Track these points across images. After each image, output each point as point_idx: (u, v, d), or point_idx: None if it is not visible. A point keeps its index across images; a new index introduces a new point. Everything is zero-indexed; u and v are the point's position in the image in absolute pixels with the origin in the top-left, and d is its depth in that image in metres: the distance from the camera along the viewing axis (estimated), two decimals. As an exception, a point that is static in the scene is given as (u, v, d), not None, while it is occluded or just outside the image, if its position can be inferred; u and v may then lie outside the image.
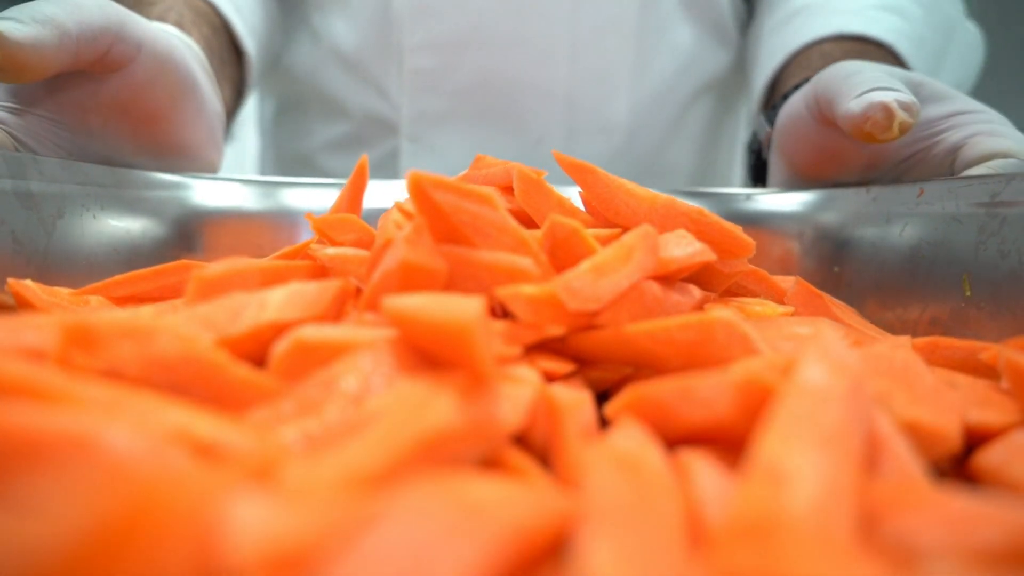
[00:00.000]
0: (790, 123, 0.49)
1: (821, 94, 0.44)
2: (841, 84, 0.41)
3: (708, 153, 0.81)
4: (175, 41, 0.46)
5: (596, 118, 0.71)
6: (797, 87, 0.53)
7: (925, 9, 0.62)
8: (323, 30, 0.73)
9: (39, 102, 0.39)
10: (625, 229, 0.30)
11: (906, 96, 0.38)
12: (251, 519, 0.11)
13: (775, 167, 0.53)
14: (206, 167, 0.50)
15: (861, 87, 0.40)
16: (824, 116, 0.44)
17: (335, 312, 0.24)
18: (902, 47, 0.57)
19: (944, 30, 0.63)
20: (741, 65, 0.78)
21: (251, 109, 0.86)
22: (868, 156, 0.44)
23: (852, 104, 0.39)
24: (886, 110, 0.37)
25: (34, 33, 0.35)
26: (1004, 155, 0.37)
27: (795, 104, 0.49)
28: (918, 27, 0.60)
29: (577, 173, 0.32)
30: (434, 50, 0.69)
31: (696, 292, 0.28)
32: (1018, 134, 0.39)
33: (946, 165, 0.40)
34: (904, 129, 0.38)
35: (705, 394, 0.18)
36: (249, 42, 0.62)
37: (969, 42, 0.66)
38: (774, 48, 0.62)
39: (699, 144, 0.79)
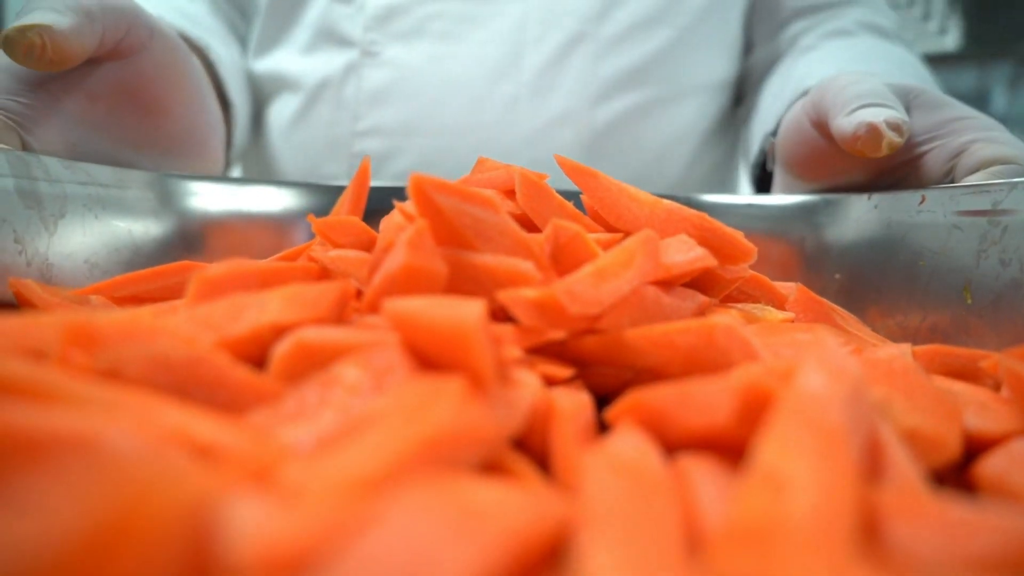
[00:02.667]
0: (792, 132, 0.50)
1: (819, 103, 0.45)
2: (836, 97, 0.42)
3: None
4: (179, 38, 0.46)
5: None
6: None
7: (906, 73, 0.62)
8: (275, 112, 0.74)
9: (46, 91, 0.39)
10: (627, 234, 0.30)
11: (896, 115, 0.39)
12: (250, 520, 0.11)
13: (779, 177, 0.53)
14: (210, 163, 0.50)
15: (853, 102, 0.40)
16: (823, 125, 0.45)
17: (336, 314, 0.24)
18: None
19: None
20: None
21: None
22: (866, 163, 0.44)
23: (843, 121, 0.40)
24: (874, 131, 0.38)
25: (76, 23, 0.36)
26: (1004, 161, 0.37)
27: (796, 114, 0.49)
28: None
29: (579, 177, 0.32)
30: (380, 135, 0.69)
31: (697, 297, 0.28)
32: (1016, 140, 0.39)
33: (945, 171, 0.40)
34: (893, 147, 0.39)
35: (705, 399, 0.18)
36: (235, 96, 0.63)
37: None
38: (782, 96, 0.62)
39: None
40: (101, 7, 0.37)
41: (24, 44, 0.35)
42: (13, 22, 0.36)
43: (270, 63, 0.74)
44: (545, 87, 0.69)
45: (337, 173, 0.72)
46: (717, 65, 0.74)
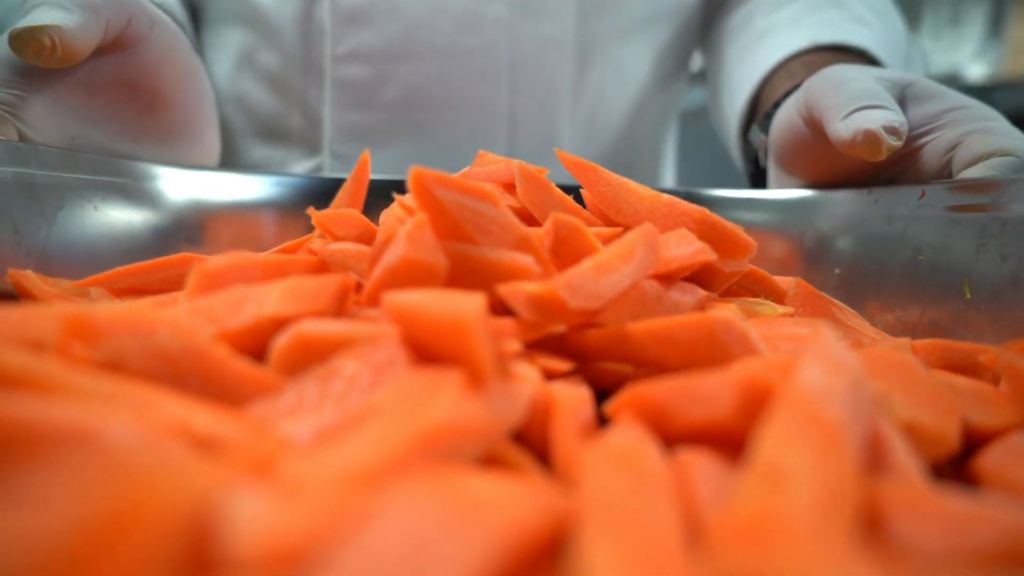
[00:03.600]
0: (784, 130, 0.49)
1: (812, 103, 0.44)
2: (830, 96, 0.42)
3: (657, 167, 0.81)
4: (178, 27, 0.46)
5: (538, 138, 0.67)
6: (788, 94, 0.54)
7: (884, 21, 0.63)
8: (240, 47, 0.67)
9: (43, 83, 0.39)
10: (627, 228, 0.30)
11: (893, 117, 0.39)
12: (250, 513, 0.11)
13: (774, 173, 0.53)
14: (208, 153, 0.50)
15: (850, 104, 0.40)
16: (815, 123, 0.44)
17: (335, 307, 0.24)
18: (878, 53, 0.58)
19: (898, 42, 0.64)
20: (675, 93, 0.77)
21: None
22: (861, 162, 0.44)
23: (841, 126, 0.40)
24: (872, 137, 0.38)
25: (83, 20, 0.36)
26: (1001, 153, 0.37)
27: (787, 111, 0.49)
28: (884, 36, 0.61)
29: (579, 171, 0.32)
30: (362, 61, 0.63)
31: (697, 292, 0.28)
32: (1013, 130, 0.39)
33: (942, 164, 0.40)
34: (892, 151, 0.38)
35: (705, 393, 0.18)
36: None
37: (915, 55, 0.68)
38: (750, 68, 0.62)
39: (647, 160, 0.78)
40: (106, 1, 0.37)
41: (34, 45, 0.34)
42: (19, 17, 0.35)
43: None
44: (533, 7, 0.64)
45: (317, 103, 0.65)
46: None
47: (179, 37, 0.45)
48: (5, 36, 0.35)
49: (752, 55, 0.63)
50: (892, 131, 0.38)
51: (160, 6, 0.54)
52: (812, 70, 0.49)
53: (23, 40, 0.34)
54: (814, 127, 0.45)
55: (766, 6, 0.67)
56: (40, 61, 0.35)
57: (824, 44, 0.59)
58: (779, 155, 0.51)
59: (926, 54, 0.71)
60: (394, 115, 0.64)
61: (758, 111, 0.61)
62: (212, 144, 0.51)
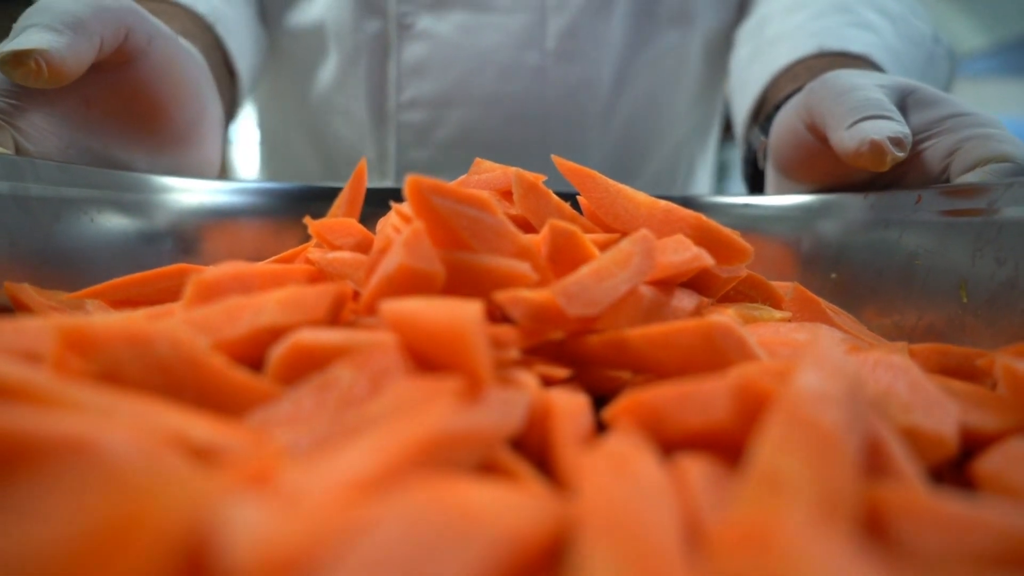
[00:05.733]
0: (784, 133, 0.49)
1: (815, 109, 0.44)
2: (834, 105, 0.42)
3: (692, 179, 0.90)
4: (181, 40, 0.46)
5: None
6: (790, 96, 0.54)
7: (896, 24, 0.65)
8: (326, 89, 0.79)
9: (40, 93, 0.39)
10: (624, 235, 0.30)
11: (897, 128, 0.39)
12: (247, 523, 0.11)
13: (772, 176, 0.53)
14: (206, 165, 0.50)
15: (855, 113, 0.40)
16: (817, 129, 0.44)
17: (333, 316, 0.24)
18: (880, 59, 0.59)
19: (915, 43, 0.66)
20: (710, 108, 0.86)
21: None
22: (851, 167, 0.44)
23: (845, 136, 0.40)
24: (878, 148, 0.38)
25: (72, 42, 0.36)
26: (1000, 159, 0.37)
27: (788, 115, 0.49)
28: (891, 40, 0.62)
29: (576, 178, 0.32)
30: (420, 107, 0.76)
31: (694, 297, 0.28)
32: (1012, 137, 0.39)
33: (940, 169, 0.40)
34: (896, 161, 0.39)
35: (703, 399, 0.18)
36: (241, 63, 0.64)
37: (940, 55, 0.69)
38: (758, 73, 0.65)
39: (670, 183, 0.86)
40: (98, 17, 0.37)
41: (22, 68, 0.35)
42: (11, 38, 0.36)
43: (302, 17, 0.77)
44: (568, 54, 0.74)
45: (386, 147, 0.77)
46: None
47: (182, 51, 0.45)
48: None
49: (760, 61, 0.66)
50: (897, 143, 0.38)
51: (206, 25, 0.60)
52: (814, 74, 0.50)
53: (10, 63, 0.35)
54: (816, 133, 0.45)
55: (778, 13, 0.69)
56: (29, 83, 0.35)
57: (829, 51, 0.60)
58: (778, 158, 0.51)
59: (954, 52, 0.72)
60: (446, 153, 0.76)
61: (760, 114, 0.62)
62: (212, 155, 0.51)
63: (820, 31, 0.62)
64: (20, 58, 0.35)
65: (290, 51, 0.80)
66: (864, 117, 0.40)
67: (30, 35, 0.35)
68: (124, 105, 0.42)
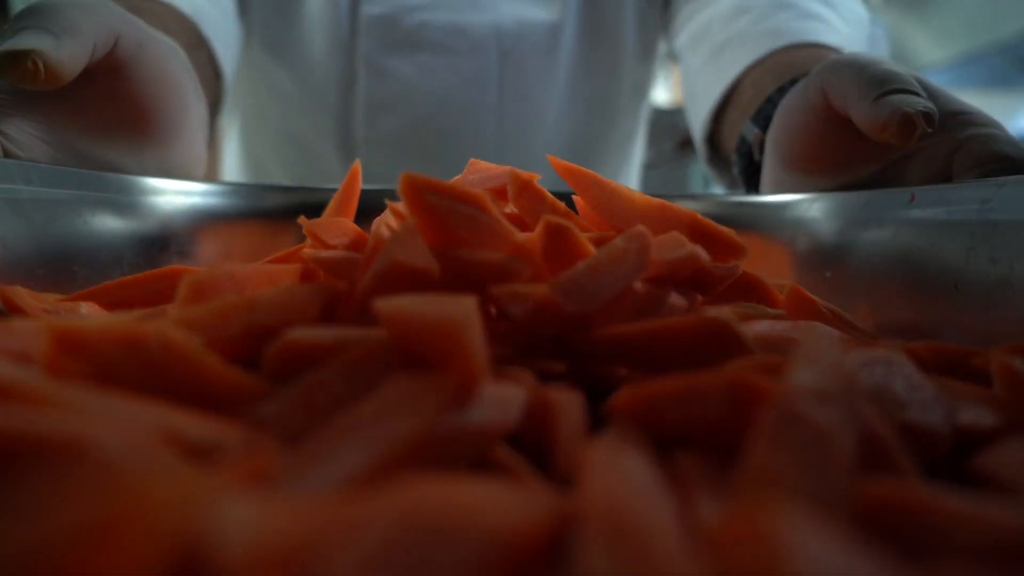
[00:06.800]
0: (791, 119, 0.47)
1: (833, 85, 0.42)
2: (855, 79, 0.40)
3: (620, 176, 0.97)
4: (169, 43, 0.46)
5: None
6: (781, 89, 0.53)
7: (837, 10, 0.69)
8: (289, 107, 0.84)
9: (27, 98, 0.39)
10: (619, 233, 0.30)
11: (927, 103, 0.38)
12: (239, 521, 0.11)
13: (769, 169, 0.52)
14: (192, 162, 0.50)
15: (880, 85, 0.39)
16: (830, 110, 0.43)
17: (326, 314, 0.24)
18: (837, 45, 0.62)
19: (858, 25, 0.71)
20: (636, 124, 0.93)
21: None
22: (874, 156, 0.43)
23: (870, 107, 0.38)
24: (909, 120, 0.37)
25: (68, 45, 0.36)
26: (999, 159, 0.37)
27: (794, 100, 0.47)
28: (838, 26, 0.67)
29: (572, 176, 0.32)
30: (384, 144, 0.81)
31: (689, 296, 0.28)
32: (1012, 137, 0.39)
33: (940, 167, 0.40)
34: (922, 138, 0.37)
35: (699, 395, 0.18)
36: (225, 63, 0.66)
37: (880, 35, 0.75)
38: (711, 82, 0.68)
39: (614, 172, 0.92)
40: (92, 22, 0.37)
41: (18, 68, 0.34)
42: (5, 39, 0.35)
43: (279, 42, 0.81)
44: (521, 93, 0.81)
45: (337, 173, 0.80)
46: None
47: (169, 54, 0.45)
48: None
49: (714, 68, 0.69)
50: (927, 118, 0.37)
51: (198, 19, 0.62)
52: (788, 68, 0.53)
53: (6, 63, 0.34)
54: (830, 113, 0.43)
55: (720, 19, 0.72)
56: (23, 84, 0.35)
57: (794, 44, 0.63)
58: (783, 148, 0.49)
59: (888, 33, 0.77)
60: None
61: (725, 117, 0.66)
62: (197, 152, 0.51)
63: (773, 30, 0.65)
64: (16, 57, 0.34)
65: (265, 70, 0.83)
66: (891, 90, 0.38)
67: (27, 36, 0.35)
68: (113, 109, 0.42)
